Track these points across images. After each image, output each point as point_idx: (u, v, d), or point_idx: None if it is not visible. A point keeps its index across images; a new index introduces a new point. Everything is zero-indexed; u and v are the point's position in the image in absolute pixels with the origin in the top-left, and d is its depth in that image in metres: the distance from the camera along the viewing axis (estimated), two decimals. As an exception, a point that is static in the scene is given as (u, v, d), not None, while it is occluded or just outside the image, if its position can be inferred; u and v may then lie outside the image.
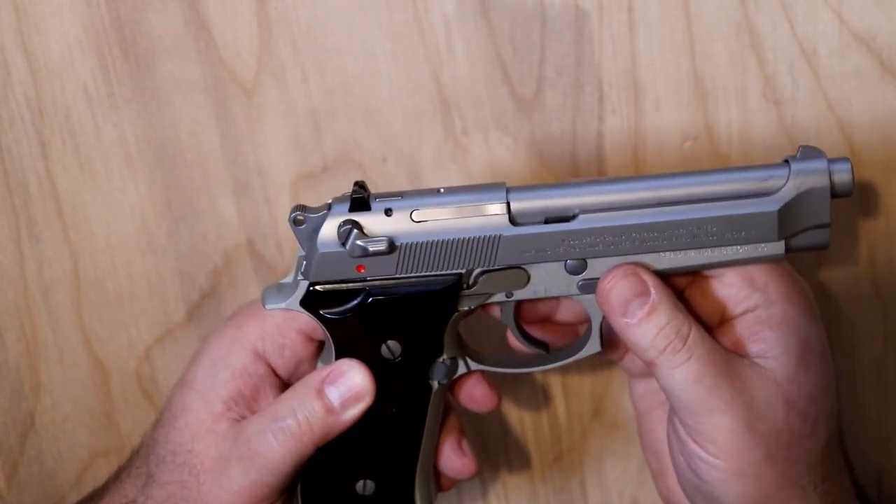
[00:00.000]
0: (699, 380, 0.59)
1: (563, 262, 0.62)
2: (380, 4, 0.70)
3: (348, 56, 0.71)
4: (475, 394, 0.68)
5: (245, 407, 0.64)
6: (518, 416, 0.77)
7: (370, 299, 0.62)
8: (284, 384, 0.66)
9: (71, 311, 0.76)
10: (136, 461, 0.66)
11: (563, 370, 0.76)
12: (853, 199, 0.72)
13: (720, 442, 0.59)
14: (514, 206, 0.61)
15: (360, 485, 0.65)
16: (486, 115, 0.72)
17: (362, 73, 0.71)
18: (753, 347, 0.61)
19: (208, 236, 0.75)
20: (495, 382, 0.68)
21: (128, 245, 0.75)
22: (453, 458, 0.68)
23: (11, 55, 0.72)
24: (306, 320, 0.64)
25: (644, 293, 0.60)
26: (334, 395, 0.63)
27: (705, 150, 0.72)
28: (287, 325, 0.65)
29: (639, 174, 0.69)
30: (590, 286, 0.62)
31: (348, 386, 0.63)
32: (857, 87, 0.70)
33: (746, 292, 0.61)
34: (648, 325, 0.60)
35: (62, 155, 0.74)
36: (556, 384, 0.77)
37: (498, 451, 0.78)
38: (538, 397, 0.77)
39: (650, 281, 0.61)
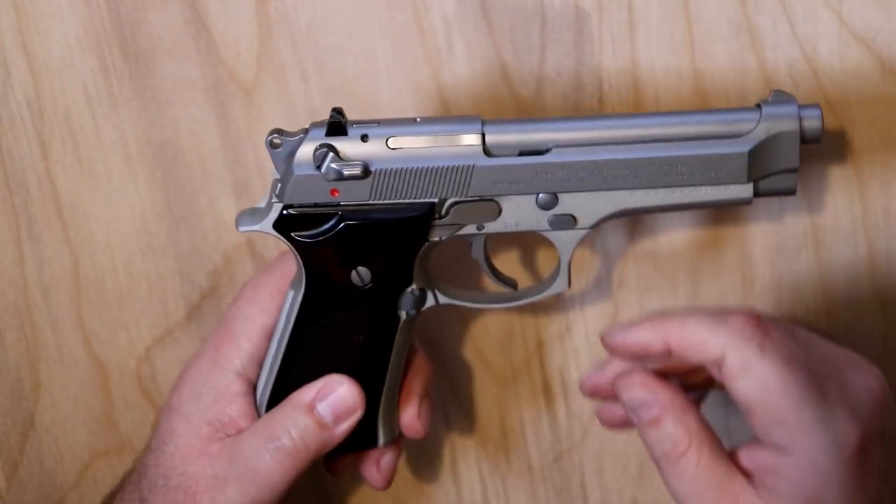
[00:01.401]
0: (694, 492, 0.59)
1: (534, 196, 0.63)
2: (380, 4, 0.70)
3: (348, 56, 0.71)
4: (405, 420, 0.69)
5: (232, 426, 0.65)
6: (518, 416, 0.77)
7: (342, 224, 0.63)
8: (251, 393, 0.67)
9: (71, 311, 0.76)
10: (129, 486, 0.66)
11: (565, 370, 0.76)
12: (853, 198, 0.72)
13: None
14: (488, 137, 0.63)
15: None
16: (486, 115, 0.71)
17: (362, 73, 0.71)
18: (760, 484, 0.59)
19: (208, 236, 0.75)
20: (428, 408, 0.70)
21: (128, 245, 0.75)
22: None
23: (11, 55, 0.72)
24: (273, 320, 0.65)
25: (652, 405, 0.60)
26: (326, 410, 0.64)
27: (705, 150, 0.72)
28: (260, 338, 0.66)
29: (615, 112, 0.70)
30: (560, 222, 0.63)
31: (339, 401, 0.64)
32: (857, 87, 0.70)
33: (762, 428, 0.59)
34: (650, 431, 0.60)
35: (62, 155, 0.74)
36: (556, 384, 0.77)
37: (498, 451, 0.78)
38: (538, 397, 0.77)
39: (661, 394, 0.60)
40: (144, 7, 0.71)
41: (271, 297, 0.67)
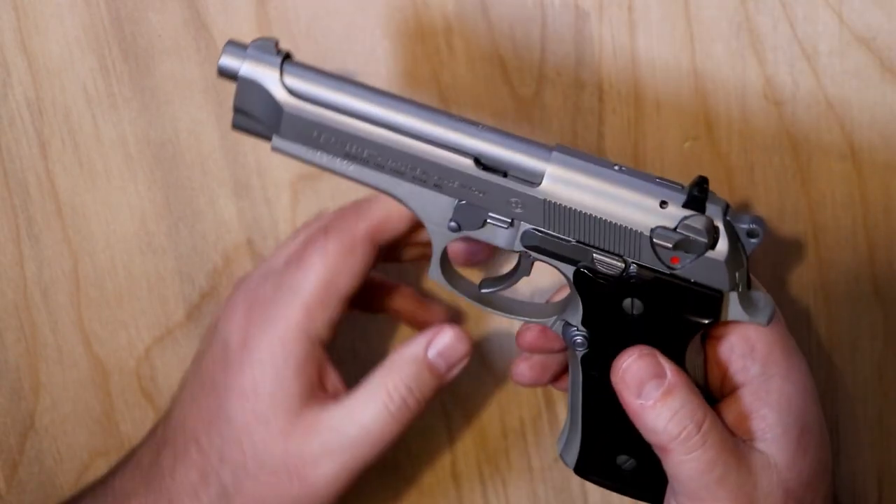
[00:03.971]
0: (710, 469, 0.58)
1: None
2: (380, 4, 0.70)
3: (348, 56, 0.71)
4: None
5: (319, 390, 0.64)
6: (518, 416, 0.77)
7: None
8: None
9: (71, 310, 0.76)
10: (194, 479, 0.64)
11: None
12: (853, 198, 0.72)
13: None
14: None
15: (621, 459, 0.65)
16: (486, 115, 0.72)
17: (362, 73, 0.71)
18: (754, 425, 0.60)
19: (208, 236, 0.75)
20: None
21: (128, 245, 0.75)
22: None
23: (11, 55, 0.72)
24: (346, 283, 0.63)
25: (660, 375, 0.60)
26: (440, 361, 0.64)
27: (705, 150, 0.72)
28: (332, 298, 0.64)
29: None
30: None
31: (451, 349, 0.64)
32: (857, 87, 0.70)
33: (746, 362, 0.61)
34: (663, 408, 0.59)
35: (62, 155, 0.74)
36: (556, 384, 0.77)
37: (498, 451, 0.78)
38: (538, 397, 0.77)
39: (667, 364, 0.60)
40: (144, 7, 0.71)
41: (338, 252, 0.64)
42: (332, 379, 0.65)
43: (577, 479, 0.78)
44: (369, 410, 0.63)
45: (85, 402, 0.77)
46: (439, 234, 0.62)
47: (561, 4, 0.70)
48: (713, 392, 0.63)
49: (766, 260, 0.73)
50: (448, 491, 0.79)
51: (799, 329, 0.74)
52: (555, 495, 0.79)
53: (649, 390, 0.60)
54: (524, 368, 0.69)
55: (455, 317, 0.75)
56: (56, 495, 0.78)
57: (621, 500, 0.78)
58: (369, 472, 0.78)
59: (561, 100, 0.71)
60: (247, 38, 0.72)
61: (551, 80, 0.71)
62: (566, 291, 0.65)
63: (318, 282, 0.64)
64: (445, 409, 0.78)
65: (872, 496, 0.77)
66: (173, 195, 0.74)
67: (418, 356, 0.64)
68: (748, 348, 0.61)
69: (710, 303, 0.60)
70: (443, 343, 0.64)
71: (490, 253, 0.71)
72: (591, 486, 0.78)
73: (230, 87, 0.72)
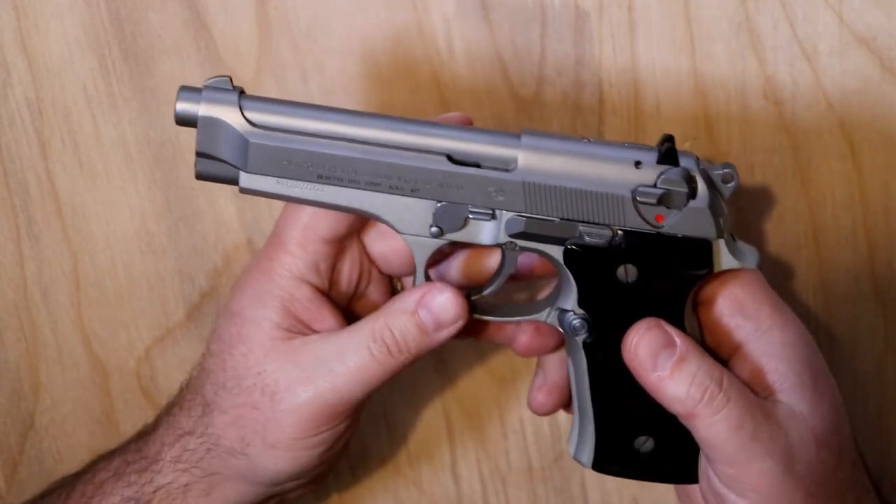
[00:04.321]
0: (741, 425, 0.58)
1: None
2: (380, 4, 0.70)
3: (348, 56, 0.71)
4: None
5: (306, 329, 0.64)
6: (518, 416, 0.77)
7: None
8: (329, 299, 0.65)
9: (71, 310, 0.76)
10: (188, 395, 0.66)
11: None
12: (853, 198, 0.72)
13: (763, 489, 0.59)
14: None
15: (639, 441, 0.64)
16: (486, 115, 0.72)
17: (362, 73, 0.71)
18: (769, 378, 0.60)
19: (208, 236, 0.75)
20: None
21: (128, 245, 0.75)
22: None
23: (11, 55, 0.72)
24: (326, 226, 0.63)
25: (670, 343, 0.60)
26: (427, 317, 0.63)
27: (705, 150, 0.72)
28: (310, 241, 0.64)
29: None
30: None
31: (441, 309, 0.63)
32: (857, 87, 0.70)
33: (738, 321, 0.62)
34: (681, 375, 0.59)
35: (62, 155, 0.74)
36: (556, 384, 0.77)
37: (498, 451, 0.78)
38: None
39: (673, 331, 0.61)
40: (144, 7, 0.71)
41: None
42: (329, 323, 0.65)
43: (577, 479, 0.78)
44: (351, 345, 0.63)
45: (85, 402, 0.77)
46: (421, 245, 0.62)
47: (561, 4, 0.70)
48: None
49: (766, 260, 0.73)
50: (448, 491, 0.79)
51: (799, 329, 0.75)
52: (555, 495, 0.79)
53: (663, 361, 0.60)
54: (542, 397, 0.69)
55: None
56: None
57: (621, 500, 0.78)
58: (369, 473, 0.78)
59: (561, 100, 0.71)
60: (247, 40, 0.72)
61: (551, 80, 0.71)
62: (552, 285, 0.65)
63: (296, 225, 0.64)
64: (445, 409, 0.78)
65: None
66: (173, 195, 0.74)
67: (408, 309, 0.63)
68: (737, 307, 0.61)
69: (700, 253, 0.61)
70: (434, 302, 0.63)
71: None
72: (591, 486, 0.78)
73: (230, 87, 0.72)
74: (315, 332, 0.64)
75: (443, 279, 0.66)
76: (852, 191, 0.72)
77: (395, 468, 0.78)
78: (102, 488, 0.67)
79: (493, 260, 0.66)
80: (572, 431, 0.67)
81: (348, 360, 0.62)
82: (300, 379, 0.63)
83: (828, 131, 0.71)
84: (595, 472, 0.78)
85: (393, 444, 0.78)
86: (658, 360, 0.60)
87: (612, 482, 0.78)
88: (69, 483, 0.70)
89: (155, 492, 0.66)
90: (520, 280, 0.68)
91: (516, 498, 0.79)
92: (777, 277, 0.74)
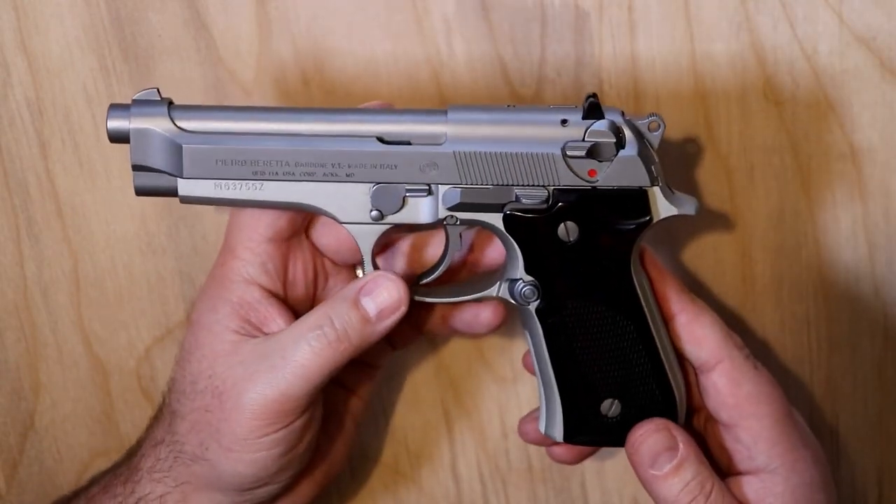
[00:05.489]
0: None
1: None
2: (380, 4, 0.70)
3: (348, 56, 0.71)
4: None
5: (257, 331, 0.65)
6: (518, 416, 0.77)
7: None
8: (280, 300, 0.66)
9: (71, 310, 0.76)
10: (163, 407, 0.67)
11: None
12: (853, 198, 0.72)
13: None
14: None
15: (605, 406, 0.65)
16: (486, 115, 0.72)
17: (362, 73, 0.71)
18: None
19: (208, 236, 0.75)
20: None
21: (128, 245, 0.75)
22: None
23: (11, 55, 0.72)
24: (266, 225, 0.64)
25: (673, 448, 0.62)
26: (370, 305, 0.63)
27: (705, 150, 0.72)
28: (255, 242, 0.65)
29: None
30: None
31: (384, 297, 0.63)
32: (857, 87, 0.70)
33: (751, 452, 0.63)
34: (675, 479, 0.61)
35: (62, 155, 0.74)
36: (556, 384, 0.77)
37: (498, 451, 0.78)
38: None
39: (680, 437, 0.62)
40: (144, 7, 0.71)
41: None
42: (278, 324, 0.65)
43: (577, 480, 0.78)
44: (290, 340, 0.63)
45: (85, 402, 0.77)
46: (364, 233, 0.63)
47: (561, 4, 0.70)
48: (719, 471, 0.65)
49: (766, 260, 0.73)
50: (448, 491, 0.79)
51: (799, 329, 0.75)
52: (555, 495, 0.79)
53: (662, 462, 0.62)
54: (561, 452, 0.70)
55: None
56: (56, 495, 0.78)
57: (621, 500, 0.78)
58: (369, 473, 0.78)
59: (561, 100, 0.71)
60: (247, 40, 0.72)
61: (551, 80, 0.71)
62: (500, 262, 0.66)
63: (240, 229, 0.65)
64: (445, 409, 0.78)
65: (872, 496, 0.77)
66: (173, 195, 0.74)
67: (348, 297, 0.63)
68: (752, 440, 0.63)
69: (637, 202, 0.62)
70: (376, 289, 0.63)
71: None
72: (591, 486, 0.78)
73: (231, 86, 0.72)
74: (262, 332, 0.65)
75: (390, 269, 0.66)
76: (852, 191, 0.72)
77: (395, 468, 0.78)
78: (93, 501, 0.68)
79: (439, 244, 0.66)
80: (541, 408, 0.67)
81: (288, 354, 0.63)
82: (244, 377, 0.63)
83: (828, 131, 0.71)
84: (595, 472, 0.78)
85: (393, 444, 0.78)
86: (658, 460, 0.62)
87: (612, 482, 0.78)
88: (68, 499, 0.71)
89: (137, 503, 0.66)
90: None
91: (516, 498, 0.79)
92: (777, 278, 0.74)
